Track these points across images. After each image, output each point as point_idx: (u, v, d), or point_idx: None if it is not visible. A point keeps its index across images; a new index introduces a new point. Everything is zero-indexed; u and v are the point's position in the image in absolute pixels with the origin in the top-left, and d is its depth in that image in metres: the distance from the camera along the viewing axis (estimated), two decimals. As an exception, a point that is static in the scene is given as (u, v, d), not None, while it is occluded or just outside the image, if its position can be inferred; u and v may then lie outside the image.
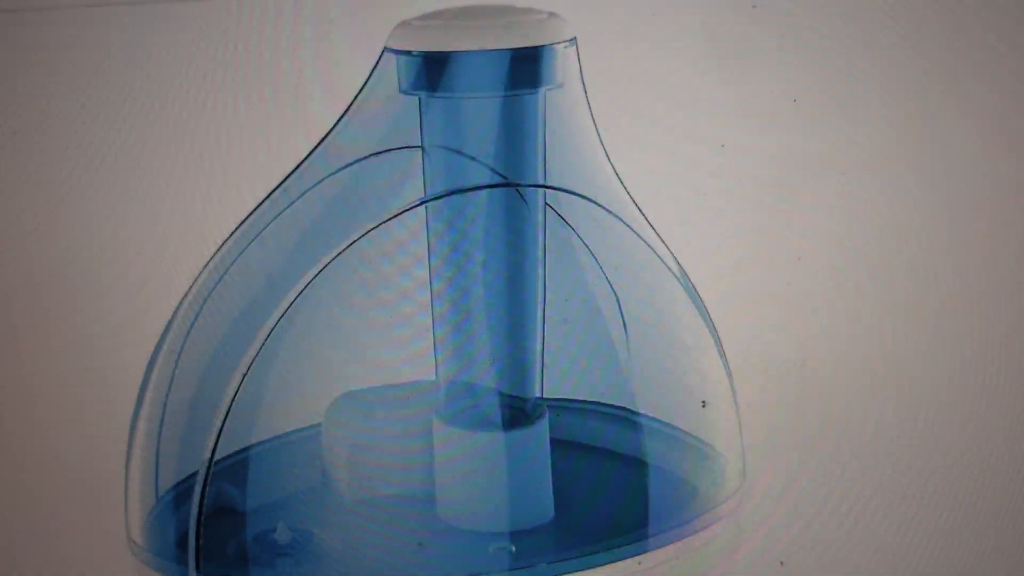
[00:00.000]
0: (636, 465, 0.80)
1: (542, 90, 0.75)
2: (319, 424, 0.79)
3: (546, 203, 0.77)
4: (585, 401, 0.82)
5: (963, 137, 0.85)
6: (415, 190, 0.76)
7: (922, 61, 0.84)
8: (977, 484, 0.86)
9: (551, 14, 0.76)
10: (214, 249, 0.78)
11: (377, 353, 0.80)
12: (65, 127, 0.83)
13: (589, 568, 0.74)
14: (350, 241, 0.74)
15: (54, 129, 0.83)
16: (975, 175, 0.86)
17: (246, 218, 0.78)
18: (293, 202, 0.77)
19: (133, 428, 0.78)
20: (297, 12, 0.82)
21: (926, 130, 0.85)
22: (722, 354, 0.81)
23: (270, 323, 0.74)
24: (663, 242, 0.79)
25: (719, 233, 0.85)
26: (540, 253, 0.77)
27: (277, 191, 0.78)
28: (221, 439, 0.73)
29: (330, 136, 0.77)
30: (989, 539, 0.86)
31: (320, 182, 0.77)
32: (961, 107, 0.85)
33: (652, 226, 0.79)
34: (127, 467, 0.78)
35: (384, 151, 0.77)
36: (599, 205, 0.78)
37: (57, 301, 0.84)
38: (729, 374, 0.81)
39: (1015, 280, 0.86)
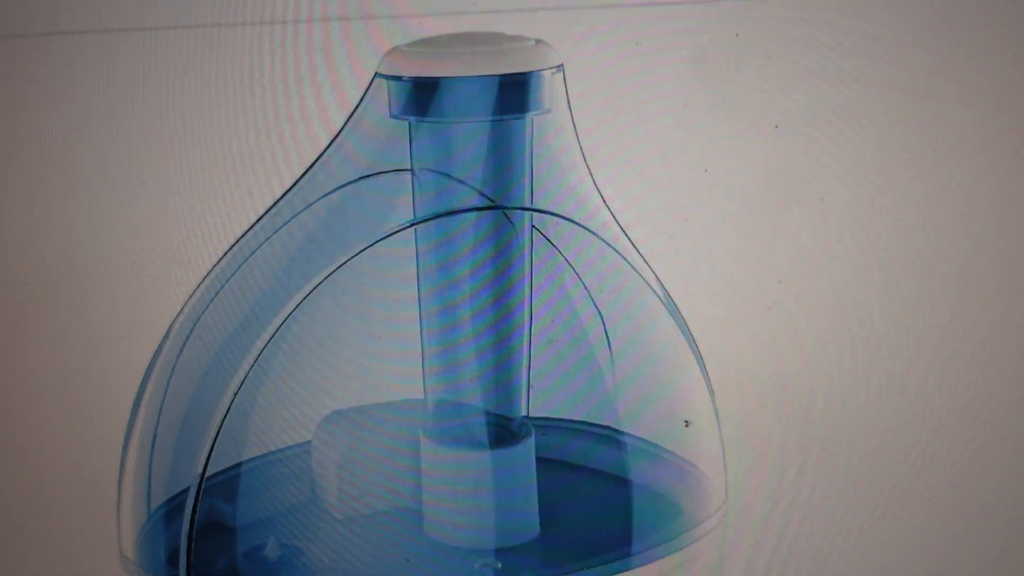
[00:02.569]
0: (620, 483, 0.80)
1: (530, 115, 0.75)
2: (309, 441, 0.79)
3: (533, 226, 0.77)
4: (570, 420, 0.82)
5: (946, 161, 0.85)
6: (405, 212, 0.76)
7: (905, 86, 0.84)
8: (961, 503, 0.86)
9: (539, 41, 0.76)
10: (207, 269, 0.78)
11: (366, 372, 0.80)
12: (62, 150, 0.83)
13: (573, 584, 0.74)
14: (341, 262, 0.74)
15: (50, 150, 0.83)
16: (957, 199, 0.85)
17: (240, 238, 0.78)
18: (286, 223, 0.77)
19: (126, 443, 0.78)
20: (290, 39, 0.82)
21: (909, 154, 0.85)
22: (705, 374, 0.80)
23: (261, 342, 0.74)
24: (647, 264, 0.79)
25: (702, 255, 0.85)
26: (527, 274, 0.77)
27: (270, 212, 0.78)
28: (212, 455, 0.73)
29: (322, 159, 0.77)
30: (972, 557, 0.86)
31: (312, 204, 0.77)
32: (945, 132, 0.85)
33: (637, 248, 0.79)
34: (120, 482, 0.78)
35: (375, 174, 0.77)
36: (585, 228, 0.78)
37: (50, 317, 0.83)
38: (712, 394, 0.81)
39: (1002, 299, 0.86)
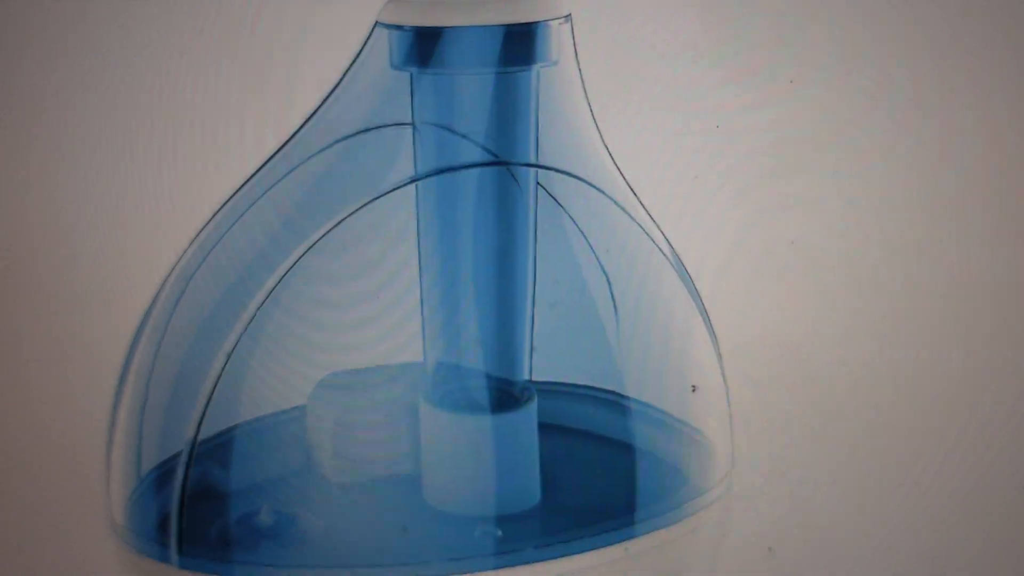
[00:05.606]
0: (624, 450, 0.80)
1: (535, 67, 0.75)
2: (304, 405, 0.79)
3: (538, 183, 0.77)
4: (574, 385, 0.82)
5: (963, 119, 0.85)
6: (405, 168, 0.76)
7: (921, 41, 0.84)
8: (972, 470, 0.86)
9: (546, -10, 0.76)
10: (200, 226, 0.78)
11: (364, 334, 0.80)
12: (46, 109, 0.82)
13: (575, 553, 0.74)
14: (338, 219, 0.74)
15: (34, 109, 0.83)
16: (975, 158, 0.86)
17: (233, 194, 0.77)
18: (281, 179, 0.77)
19: (116, 407, 0.77)
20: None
21: (925, 112, 0.85)
22: (713, 338, 0.80)
23: (256, 302, 0.74)
24: (656, 224, 0.79)
25: (712, 215, 0.85)
26: (531, 234, 0.77)
27: (265, 167, 0.77)
28: (205, 419, 0.73)
29: (320, 112, 0.77)
30: (984, 526, 0.86)
31: (309, 159, 0.77)
32: (962, 89, 0.85)
33: (645, 208, 0.79)
34: (109, 447, 0.77)
35: (374, 128, 0.77)
36: (592, 185, 0.78)
37: (39, 278, 0.83)
38: (719, 359, 0.81)
39: (1015, 266, 0.86)
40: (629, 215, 0.78)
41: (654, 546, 0.76)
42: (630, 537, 0.75)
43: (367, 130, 0.77)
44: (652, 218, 0.79)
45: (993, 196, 0.86)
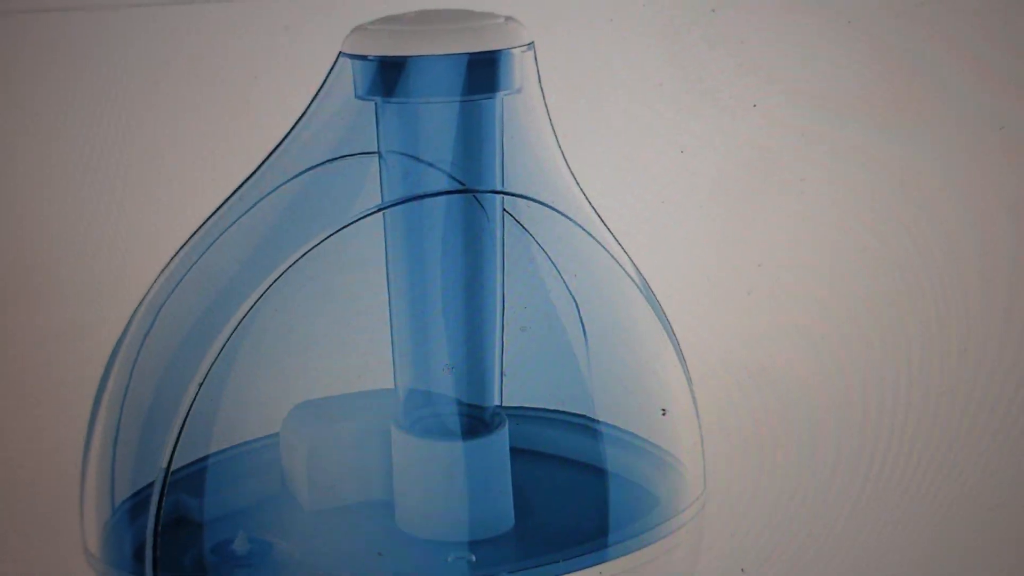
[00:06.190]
0: (596, 473, 0.80)
1: (500, 95, 0.75)
2: (277, 433, 0.79)
3: (504, 209, 0.77)
4: (545, 409, 0.82)
5: (926, 141, 0.85)
6: (372, 196, 0.76)
7: (885, 64, 0.85)
8: (942, 491, 0.86)
9: (508, 18, 0.75)
10: (169, 256, 0.78)
11: (335, 362, 0.80)
12: (9, 135, 0.82)
13: (549, 577, 0.74)
14: (307, 248, 0.74)
15: (9, 141, 0.82)
16: (938, 180, 0.86)
17: (202, 224, 0.77)
18: (249, 209, 0.77)
19: (89, 436, 0.77)
20: (252, 17, 0.82)
21: (889, 135, 0.85)
22: (682, 361, 0.80)
23: (227, 331, 0.74)
24: (622, 248, 0.79)
25: (679, 239, 0.85)
26: (498, 260, 0.77)
27: (233, 197, 0.77)
28: (178, 448, 0.73)
29: (286, 142, 0.77)
30: (959, 547, 0.86)
31: (276, 188, 0.77)
32: (923, 111, 0.85)
33: (611, 232, 0.79)
34: (83, 476, 0.77)
35: (340, 157, 0.77)
36: (557, 211, 0.78)
37: (10, 306, 0.83)
38: (689, 381, 0.80)
39: (987, 280, 0.86)
40: (596, 240, 0.78)
41: (627, 569, 0.76)
42: (603, 560, 0.75)
43: (333, 159, 0.77)
44: (619, 243, 0.79)
45: (970, 213, 0.86)
